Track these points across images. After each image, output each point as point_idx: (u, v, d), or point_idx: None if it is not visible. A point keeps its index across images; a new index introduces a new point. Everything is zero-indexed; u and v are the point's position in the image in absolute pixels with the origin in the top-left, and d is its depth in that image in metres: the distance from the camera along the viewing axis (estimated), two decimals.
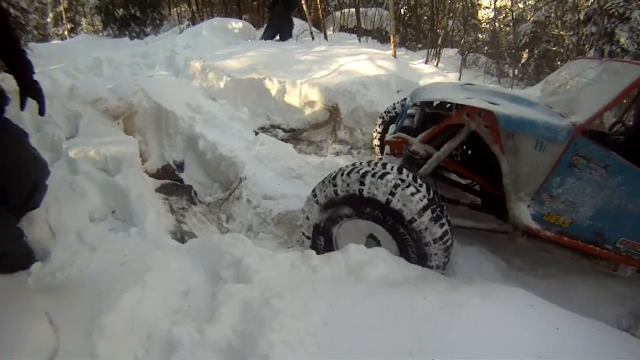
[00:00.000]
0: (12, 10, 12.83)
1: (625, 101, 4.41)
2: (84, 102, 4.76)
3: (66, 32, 29.31)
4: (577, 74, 3.95)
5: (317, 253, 2.95)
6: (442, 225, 2.77)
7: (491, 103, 3.18)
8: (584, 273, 3.93)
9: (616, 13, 9.87)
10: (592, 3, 11.05)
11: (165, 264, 2.67)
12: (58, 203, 3.26)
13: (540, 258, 3.63)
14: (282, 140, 5.68)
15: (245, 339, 2.05)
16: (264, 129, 6.01)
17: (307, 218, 3.10)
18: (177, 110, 4.94)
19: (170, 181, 4.46)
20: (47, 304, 2.26)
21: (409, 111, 4.03)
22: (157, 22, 5.60)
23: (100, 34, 11.41)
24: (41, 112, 2.62)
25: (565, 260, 3.67)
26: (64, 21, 30.17)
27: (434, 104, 3.86)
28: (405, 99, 4.90)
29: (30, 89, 2.54)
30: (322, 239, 3.10)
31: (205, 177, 4.69)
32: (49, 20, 29.41)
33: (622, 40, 9.75)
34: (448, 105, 3.77)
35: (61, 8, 30.10)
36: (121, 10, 5.45)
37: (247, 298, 2.28)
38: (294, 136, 6.12)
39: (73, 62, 6.79)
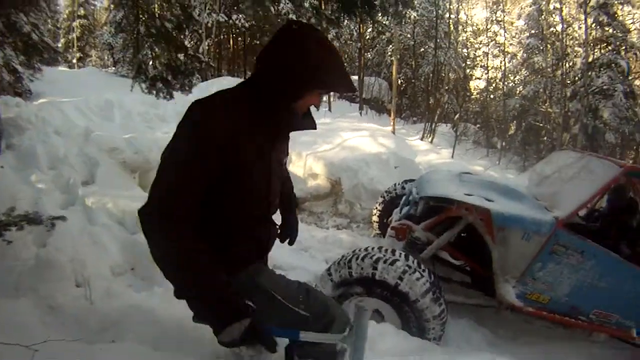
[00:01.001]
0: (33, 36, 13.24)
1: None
2: (100, 148, 4.89)
3: (75, 60, 30.10)
4: (562, 167, 4.61)
5: None
6: (440, 304, 3.25)
7: (487, 199, 3.76)
8: (562, 339, 4.43)
9: (602, 91, 10.67)
10: (578, 80, 11.88)
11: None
12: (82, 254, 3.28)
13: (522, 327, 4.11)
14: None
15: None
16: None
17: None
18: None
19: None
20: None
21: (411, 197, 4.53)
22: (187, 88, 5.99)
23: (108, 69, 11.92)
24: (291, 242, 2.37)
25: (544, 329, 4.25)
26: (74, 49, 30.91)
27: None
28: (405, 181, 5.54)
29: (291, 226, 2.36)
30: None
31: None
32: (59, 45, 29.96)
33: (605, 115, 10.54)
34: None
35: (74, 35, 30.78)
36: (154, 71, 5.80)
37: None
38: (296, 205, 6.47)
39: (85, 98, 7.03)
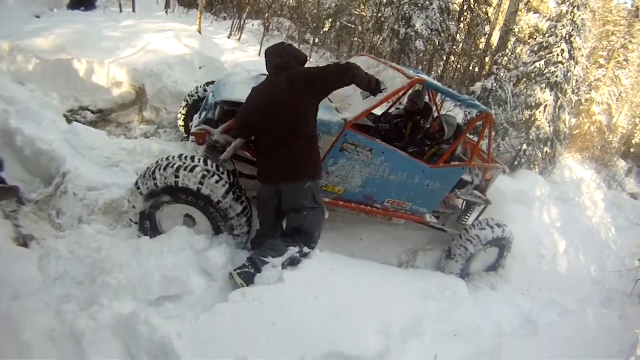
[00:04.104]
0: None
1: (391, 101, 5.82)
2: None
3: None
4: None
5: (145, 235, 3.72)
6: (242, 202, 3.69)
7: None
8: (366, 224, 5.26)
9: (418, 3, 11.44)
10: None
11: None
12: None
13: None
14: (92, 122, 5.99)
15: None
16: (73, 112, 6.09)
17: (134, 207, 3.73)
18: None
19: None
20: None
21: (209, 102, 4.67)
22: None
23: None
24: None
25: (348, 216, 4.97)
26: None
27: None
28: (207, 84, 5.66)
29: None
30: (149, 223, 3.77)
31: (26, 173, 4.66)
32: None
33: (418, 25, 11.33)
34: None
35: None
36: None
37: None
38: (102, 117, 6.32)
39: None
